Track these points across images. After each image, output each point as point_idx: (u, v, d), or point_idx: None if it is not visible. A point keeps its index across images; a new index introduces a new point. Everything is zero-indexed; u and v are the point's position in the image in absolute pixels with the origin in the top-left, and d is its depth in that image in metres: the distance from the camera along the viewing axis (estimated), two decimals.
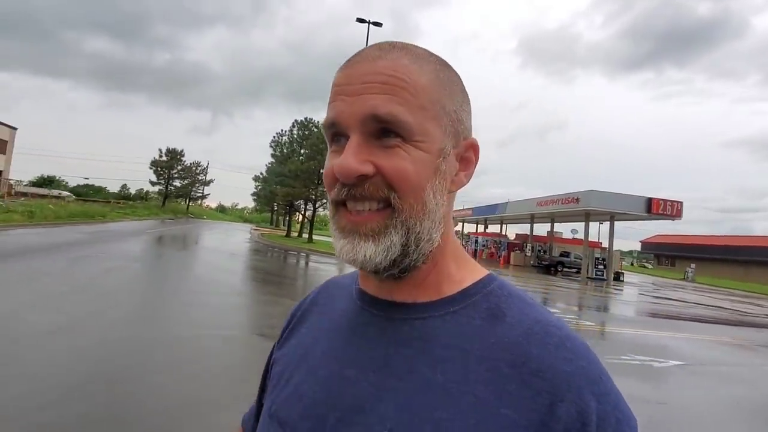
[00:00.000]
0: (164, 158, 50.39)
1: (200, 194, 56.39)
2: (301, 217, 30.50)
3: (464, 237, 40.29)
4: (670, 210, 21.30)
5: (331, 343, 0.48)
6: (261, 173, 43.01)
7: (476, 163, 0.48)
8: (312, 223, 26.97)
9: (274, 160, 32.04)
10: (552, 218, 28.35)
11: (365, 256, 0.42)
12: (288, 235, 30.55)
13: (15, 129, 36.39)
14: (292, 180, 26.11)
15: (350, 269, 0.49)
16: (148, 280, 8.74)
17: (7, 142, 35.50)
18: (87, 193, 59.43)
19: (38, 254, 9.71)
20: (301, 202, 27.56)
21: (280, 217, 51.38)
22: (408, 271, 0.45)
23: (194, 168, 53.57)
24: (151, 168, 49.73)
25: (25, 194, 35.08)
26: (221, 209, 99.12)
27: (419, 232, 0.42)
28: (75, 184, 68.37)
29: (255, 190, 46.70)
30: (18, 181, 40.91)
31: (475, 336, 0.42)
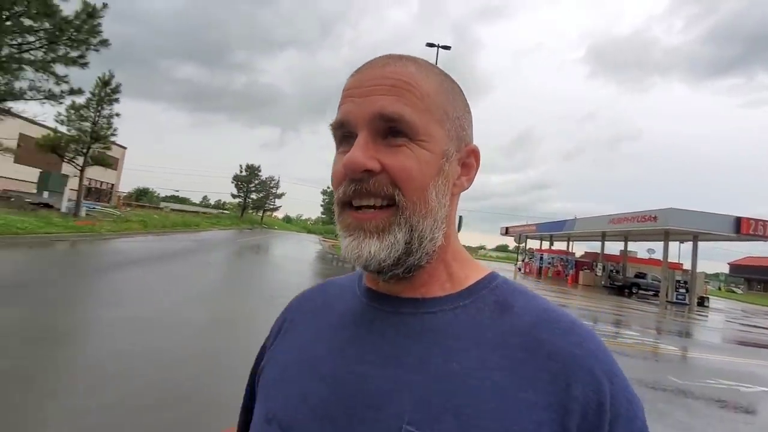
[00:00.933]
0: (244, 173, 55.60)
1: (272, 206, 61.08)
2: None
3: (527, 253, 39.42)
4: (763, 230, 19.71)
5: (334, 342, 0.48)
6: (328, 187, 45.50)
7: (477, 169, 0.50)
8: None
9: None
10: (626, 236, 27.19)
11: (370, 252, 0.42)
12: None
13: (125, 148, 41.98)
14: None
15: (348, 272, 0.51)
16: (263, 283, 10.19)
17: (118, 159, 41.03)
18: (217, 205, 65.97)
19: (168, 259, 11.64)
20: None
21: None
22: (412, 270, 0.45)
23: (269, 182, 58.50)
24: (232, 182, 55.24)
25: (129, 205, 40.21)
26: (287, 220, 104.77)
27: (422, 230, 0.43)
28: (164, 195, 76.33)
29: (323, 203, 49.53)
30: (122, 193, 46.87)
31: (486, 326, 0.43)
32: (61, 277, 7.43)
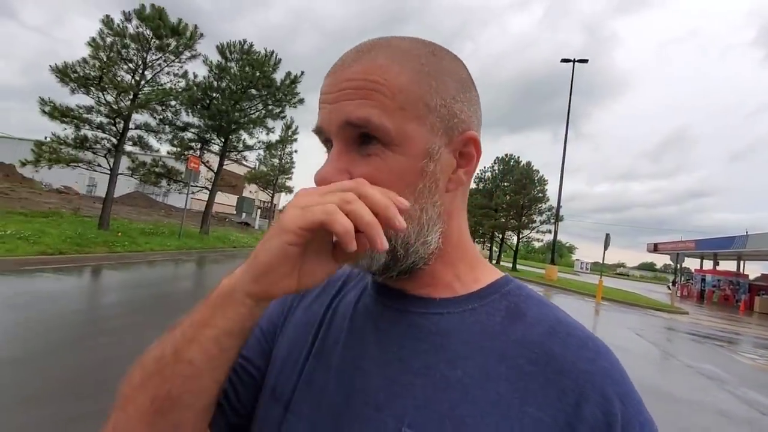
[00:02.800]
0: None
1: None
2: (498, 246, 32.80)
3: (684, 274, 34.89)
4: None
5: (344, 333, 0.47)
6: None
7: (478, 158, 0.46)
8: (516, 252, 29.02)
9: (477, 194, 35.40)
10: None
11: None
12: (498, 263, 32.85)
13: None
14: (495, 212, 28.92)
15: None
16: None
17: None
18: None
19: None
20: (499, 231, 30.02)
21: (477, 245, 55.20)
22: (409, 272, 0.44)
23: None
24: None
25: None
26: None
27: (404, 239, 0.41)
28: None
29: None
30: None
31: (495, 333, 0.42)
32: None
